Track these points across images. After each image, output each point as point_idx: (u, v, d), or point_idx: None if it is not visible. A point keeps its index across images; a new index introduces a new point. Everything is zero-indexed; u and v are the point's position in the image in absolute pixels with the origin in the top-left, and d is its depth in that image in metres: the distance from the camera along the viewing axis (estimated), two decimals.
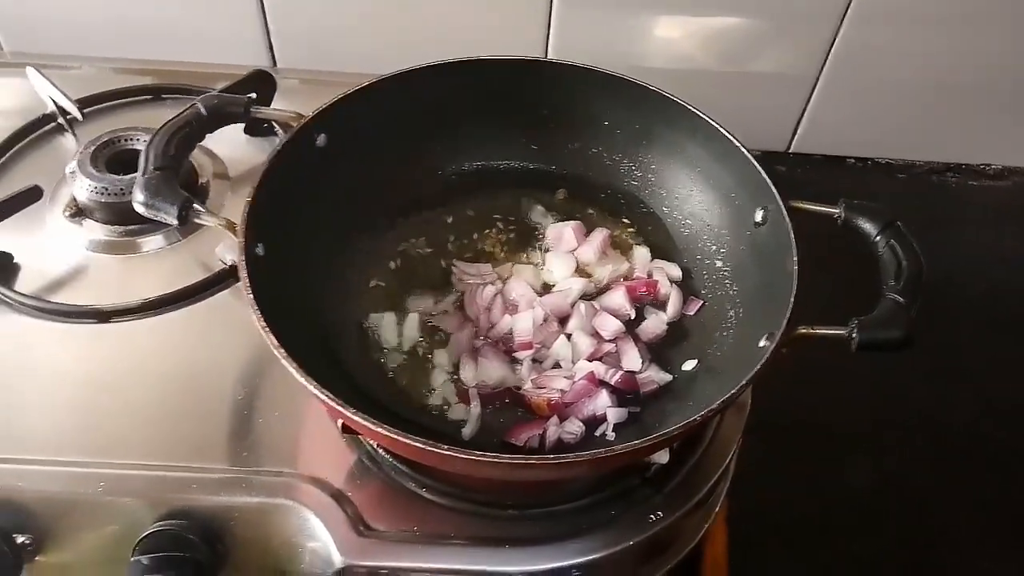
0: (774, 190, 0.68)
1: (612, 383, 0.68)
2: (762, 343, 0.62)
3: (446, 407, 0.69)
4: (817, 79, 1.06)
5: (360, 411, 0.55)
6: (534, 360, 0.71)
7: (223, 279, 0.79)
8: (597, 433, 0.67)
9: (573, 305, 0.74)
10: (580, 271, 0.77)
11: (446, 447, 0.54)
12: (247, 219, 0.63)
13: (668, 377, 0.70)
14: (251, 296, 0.59)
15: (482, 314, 0.73)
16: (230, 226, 0.63)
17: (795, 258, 0.64)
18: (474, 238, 0.80)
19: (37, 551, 0.65)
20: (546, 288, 0.76)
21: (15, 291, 0.76)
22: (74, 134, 0.91)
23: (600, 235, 0.78)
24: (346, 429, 0.64)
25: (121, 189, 0.81)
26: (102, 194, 0.81)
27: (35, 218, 0.82)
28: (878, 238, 0.65)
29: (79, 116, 0.91)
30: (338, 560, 0.63)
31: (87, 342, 0.74)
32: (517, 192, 0.83)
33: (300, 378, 0.56)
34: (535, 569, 0.63)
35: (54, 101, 0.90)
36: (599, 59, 0.78)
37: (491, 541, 0.64)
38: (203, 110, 0.69)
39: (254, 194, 0.65)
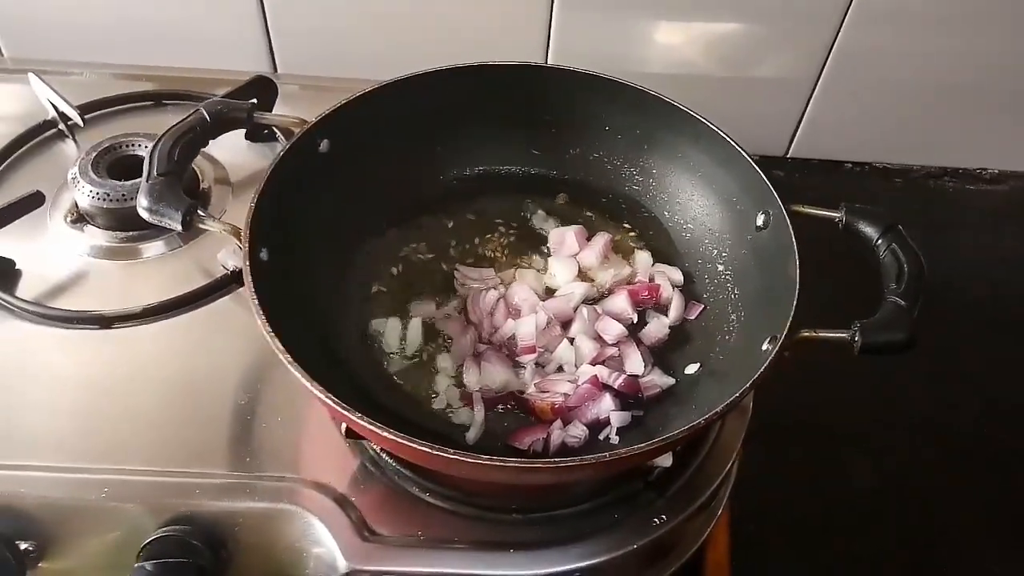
0: (776, 194, 0.69)
1: (615, 387, 0.69)
2: (765, 346, 0.63)
3: (450, 411, 0.69)
4: (815, 84, 1.07)
5: (365, 415, 0.55)
6: (537, 364, 0.71)
7: (225, 284, 0.79)
8: (601, 437, 0.67)
9: (576, 309, 0.74)
10: (582, 275, 0.77)
11: (451, 451, 0.54)
12: (251, 224, 0.63)
13: (671, 381, 0.71)
14: (255, 301, 0.59)
15: (485, 318, 0.73)
16: (234, 231, 0.63)
17: (797, 262, 0.64)
18: (475, 243, 0.80)
19: (40, 557, 0.65)
20: (548, 292, 0.77)
21: (17, 297, 0.76)
22: (75, 140, 0.91)
23: (602, 239, 0.78)
24: (350, 434, 0.64)
25: (123, 195, 0.81)
26: (103, 200, 0.81)
27: (36, 224, 0.82)
28: (879, 241, 0.66)
29: (80, 122, 0.91)
30: (342, 565, 0.63)
31: (89, 348, 0.74)
32: (518, 197, 0.83)
33: (305, 382, 0.56)
34: (538, 573, 0.63)
35: (55, 107, 0.91)
36: (598, 64, 0.79)
37: (495, 545, 0.64)
38: (207, 116, 0.69)
39: (258, 199, 0.65)
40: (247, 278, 0.60)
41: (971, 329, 1.00)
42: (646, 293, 0.75)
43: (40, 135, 0.91)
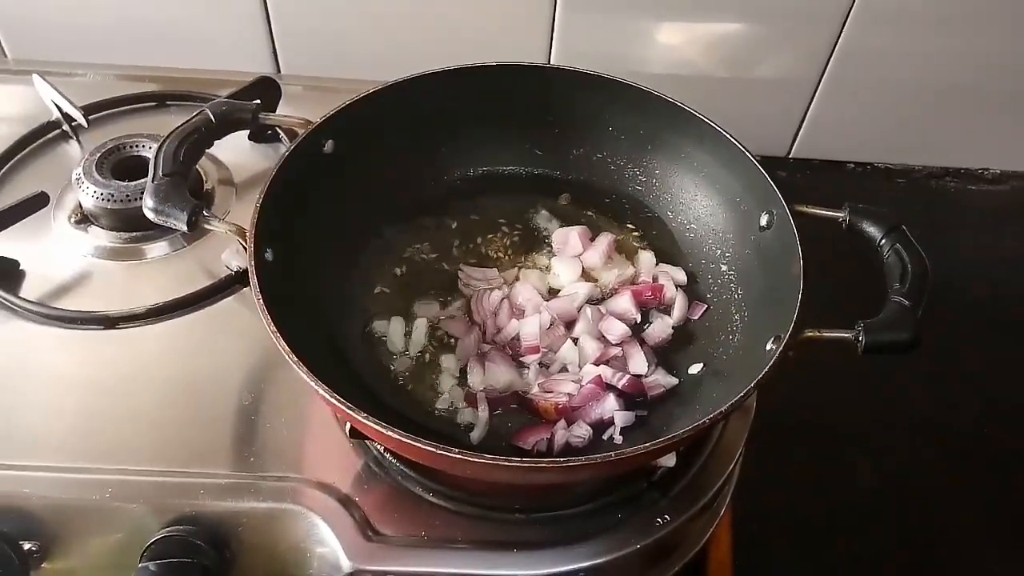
0: (779, 195, 0.69)
1: (619, 387, 0.69)
2: (769, 346, 0.63)
3: (454, 411, 0.69)
4: (818, 84, 1.07)
5: (371, 415, 0.55)
6: (541, 364, 0.71)
7: (228, 285, 0.79)
8: (604, 437, 0.67)
9: (579, 309, 0.74)
10: (586, 275, 0.77)
11: (457, 450, 0.54)
12: (257, 224, 0.63)
13: (674, 381, 0.71)
14: (261, 301, 0.59)
15: (489, 319, 0.74)
16: (240, 231, 0.64)
17: (801, 262, 0.64)
18: (478, 243, 0.80)
19: (44, 558, 0.65)
20: (552, 292, 0.77)
21: (21, 297, 0.76)
22: (79, 141, 0.91)
23: (605, 239, 0.79)
24: (354, 433, 0.64)
25: (127, 195, 0.81)
26: (108, 200, 0.81)
27: (41, 225, 0.82)
28: (883, 242, 0.66)
29: (84, 123, 0.91)
30: (346, 565, 0.63)
31: (93, 348, 0.74)
32: (522, 197, 0.83)
33: (311, 382, 0.56)
34: (542, 573, 0.64)
35: (59, 108, 0.91)
36: (600, 64, 0.79)
37: (498, 545, 0.65)
38: (212, 116, 0.69)
39: (263, 199, 0.65)
40: (253, 279, 0.60)
41: (971, 329, 1.00)
42: (650, 293, 0.75)
43: (44, 136, 0.91)
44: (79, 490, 0.65)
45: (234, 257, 0.79)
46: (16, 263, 0.79)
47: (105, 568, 0.67)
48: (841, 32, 1.01)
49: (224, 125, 0.71)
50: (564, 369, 0.72)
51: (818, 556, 0.84)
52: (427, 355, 0.72)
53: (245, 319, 0.77)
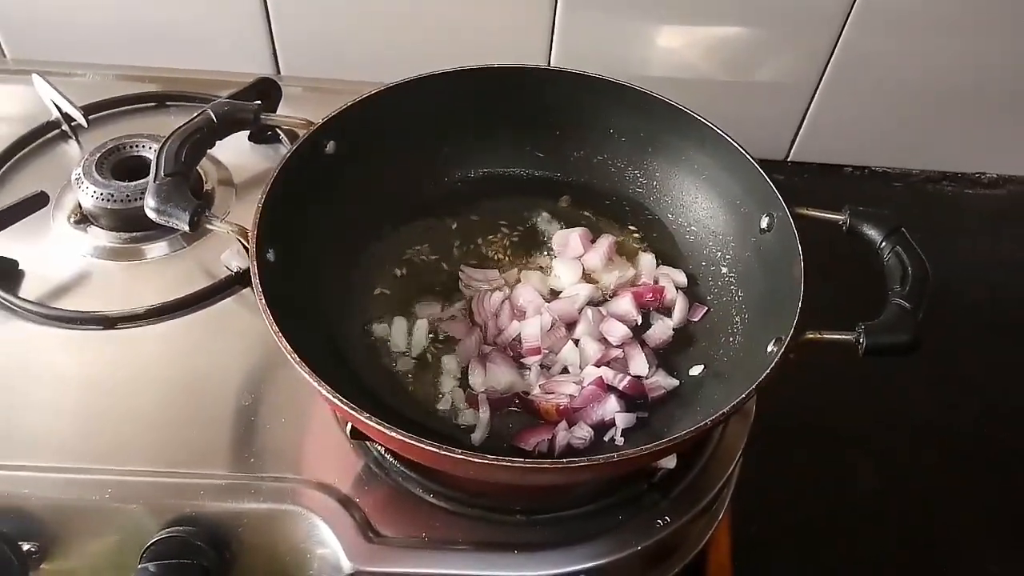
0: (780, 197, 0.69)
1: (620, 388, 0.69)
2: (770, 348, 0.63)
3: (455, 412, 0.69)
4: (816, 88, 1.07)
5: (373, 415, 0.55)
6: (542, 366, 0.71)
7: (228, 286, 0.78)
8: (606, 438, 0.67)
9: (580, 311, 0.74)
10: (587, 277, 0.77)
11: (459, 451, 0.54)
12: (259, 225, 0.63)
13: (675, 382, 0.71)
14: (263, 301, 0.59)
15: (490, 320, 0.74)
16: (241, 232, 0.63)
17: (802, 264, 0.64)
18: (479, 244, 0.80)
19: (43, 558, 0.65)
20: (553, 294, 0.77)
21: (20, 297, 0.76)
22: (79, 141, 0.91)
23: (606, 241, 0.79)
24: (355, 434, 0.64)
25: (126, 196, 0.81)
26: (107, 201, 0.81)
27: (40, 225, 0.82)
28: (883, 244, 0.66)
29: (84, 123, 0.91)
30: (347, 566, 0.63)
31: (92, 348, 0.74)
32: (522, 199, 0.83)
33: (313, 382, 0.56)
34: (543, 574, 0.63)
35: (59, 108, 0.91)
36: (601, 67, 0.79)
37: (499, 546, 0.65)
38: (214, 117, 0.69)
39: (265, 200, 0.65)
40: (255, 279, 0.60)
41: (970, 332, 1.01)
42: (650, 295, 0.75)
43: (44, 136, 0.91)
44: (79, 491, 0.65)
45: (234, 258, 0.78)
46: (15, 263, 0.79)
47: (105, 569, 0.66)
48: (840, 36, 1.02)
49: (226, 125, 0.71)
50: (565, 370, 0.72)
51: (818, 558, 0.84)
52: (428, 356, 0.72)
53: (245, 320, 0.77)
